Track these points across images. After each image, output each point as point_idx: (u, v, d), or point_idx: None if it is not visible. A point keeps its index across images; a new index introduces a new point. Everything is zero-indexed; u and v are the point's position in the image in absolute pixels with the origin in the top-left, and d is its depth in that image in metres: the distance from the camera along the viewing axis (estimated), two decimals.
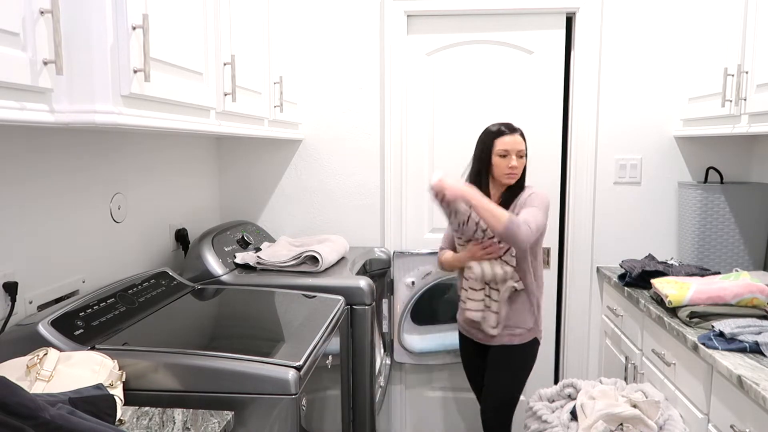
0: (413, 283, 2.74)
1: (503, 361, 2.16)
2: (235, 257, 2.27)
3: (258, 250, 2.38)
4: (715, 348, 1.67)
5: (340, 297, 1.98)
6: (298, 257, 2.18)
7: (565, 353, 2.85)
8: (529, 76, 2.75)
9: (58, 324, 1.44)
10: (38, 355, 1.26)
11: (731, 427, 1.56)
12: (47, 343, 1.37)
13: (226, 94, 1.79)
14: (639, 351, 2.27)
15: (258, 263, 2.22)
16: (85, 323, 1.50)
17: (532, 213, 1.99)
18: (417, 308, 2.75)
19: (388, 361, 2.79)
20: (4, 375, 1.10)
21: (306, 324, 1.67)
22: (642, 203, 2.75)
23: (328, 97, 2.81)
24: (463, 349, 2.35)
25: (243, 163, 2.89)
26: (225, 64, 1.79)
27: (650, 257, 2.56)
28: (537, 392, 2.22)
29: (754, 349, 1.63)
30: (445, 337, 2.72)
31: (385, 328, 2.76)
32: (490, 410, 2.18)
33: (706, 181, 2.64)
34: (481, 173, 2.15)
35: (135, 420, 1.24)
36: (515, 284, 2.09)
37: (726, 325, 1.71)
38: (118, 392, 1.29)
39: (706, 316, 1.87)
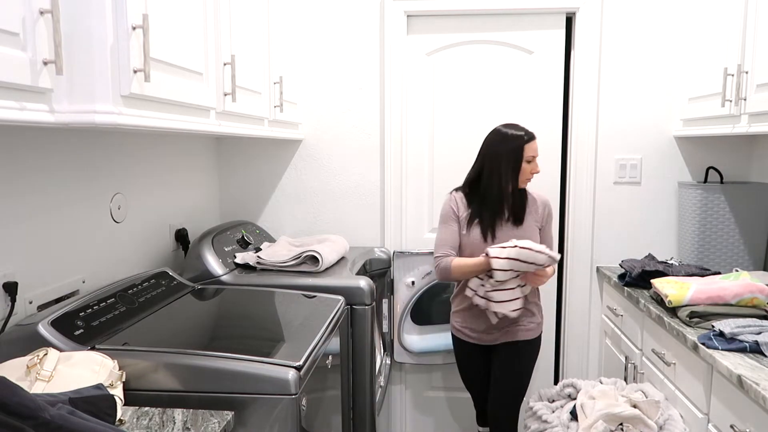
0: (413, 282, 2.74)
1: (516, 355, 2.18)
2: (235, 257, 2.27)
3: (258, 250, 2.38)
4: (715, 348, 1.67)
5: (340, 297, 1.98)
6: (298, 257, 2.18)
7: (565, 353, 2.85)
8: (529, 76, 2.75)
9: (58, 324, 1.44)
10: (38, 355, 1.26)
11: (731, 426, 1.56)
12: (47, 343, 1.37)
13: (226, 94, 1.79)
14: (639, 351, 2.27)
15: (258, 263, 2.22)
16: (85, 323, 1.50)
17: (551, 236, 2.25)
18: (417, 308, 2.75)
19: (388, 361, 2.79)
20: (4, 375, 1.10)
21: (306, 324, 1.67)
22: (642, 203, 2.75)
23: (328, 97, 2.81)
24: (461, 353, 2.31)
25: (243, 163, 2.89)
26: (225, 64, 1.79)
27: (650, 257, 2.56)
28: (537, 392, 2.22)
29: (754, 349, 1.63)
30: (445, 337, 2.72)
31: (385, 328, 2.76)
32: (500, 407, 2.19)
33: (706, 181, 2.64)
34: (493, 174, 2.11)
35: (135, 420, 1.24)
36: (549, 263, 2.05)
37: (726, 325, 1.71)
38: (118, 392, 1.29)
39: (706, 316, 1.87)
